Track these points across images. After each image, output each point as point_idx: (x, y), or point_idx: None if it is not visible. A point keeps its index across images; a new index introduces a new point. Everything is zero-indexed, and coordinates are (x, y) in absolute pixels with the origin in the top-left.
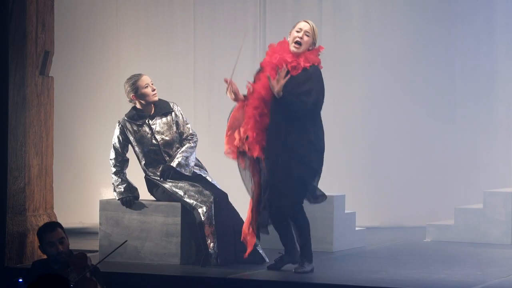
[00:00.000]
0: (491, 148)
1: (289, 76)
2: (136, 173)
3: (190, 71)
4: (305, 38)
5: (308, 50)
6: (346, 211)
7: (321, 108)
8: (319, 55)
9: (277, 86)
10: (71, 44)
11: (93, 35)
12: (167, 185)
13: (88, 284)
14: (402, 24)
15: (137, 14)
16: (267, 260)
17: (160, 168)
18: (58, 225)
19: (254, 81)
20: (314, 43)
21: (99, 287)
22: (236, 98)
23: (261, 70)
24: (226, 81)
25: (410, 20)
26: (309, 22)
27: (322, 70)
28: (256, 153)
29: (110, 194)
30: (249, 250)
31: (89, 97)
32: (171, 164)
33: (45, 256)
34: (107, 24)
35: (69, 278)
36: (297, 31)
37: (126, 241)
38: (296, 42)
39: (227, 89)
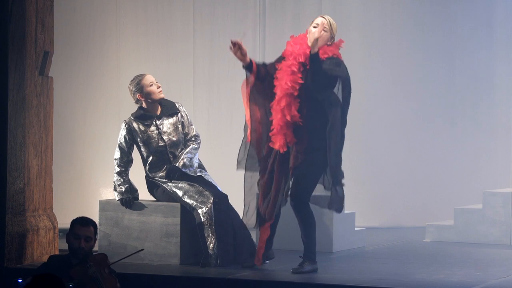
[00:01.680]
0: (491, 148)
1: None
2: (136, 173)
3: (190, 71)
4: (323, 33)
5: (327, 45)
6: (345, 211)
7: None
8: (339, 49)
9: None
10: (71, 44)
11: (93, 35)
12: (168, 186)
13: (110, 280)
14: (401, 24)
15: (137, 15)
16: (266, 261)
17: (166, 169)
18: (93, 224)
19: (275, 70)
20: (332, 38)
21: (118, 285)
22: (244, 59)
23: (283, 59)
24: (235, 43)
25: (410, 21)
26: (326, 17)
27: None
28: (277, 145)
29: (109, 194)
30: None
31: (89, 97)
32: (177, 165)
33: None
34: (107, 24)
35: (89, 272)
36: (314, 27)
37: (142, 249)
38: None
39: (235, 49)
